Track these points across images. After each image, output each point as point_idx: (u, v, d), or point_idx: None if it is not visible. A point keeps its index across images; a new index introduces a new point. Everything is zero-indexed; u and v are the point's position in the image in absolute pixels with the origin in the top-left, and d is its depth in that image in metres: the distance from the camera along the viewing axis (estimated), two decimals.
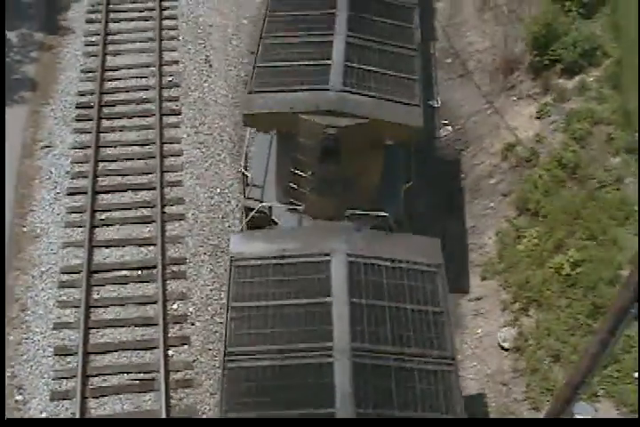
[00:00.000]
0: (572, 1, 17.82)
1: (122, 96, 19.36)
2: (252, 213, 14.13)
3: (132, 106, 19.18)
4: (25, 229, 16.65)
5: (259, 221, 14.15)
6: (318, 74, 13.40)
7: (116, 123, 18.78)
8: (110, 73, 19.91)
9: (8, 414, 13.81)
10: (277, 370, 9.97)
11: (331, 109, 12.81)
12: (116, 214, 16.90)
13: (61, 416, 13.83)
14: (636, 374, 12.71)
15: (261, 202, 14.27)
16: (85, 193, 17.11)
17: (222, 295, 15.49)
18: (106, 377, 14.35)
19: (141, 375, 14.38)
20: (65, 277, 15.79)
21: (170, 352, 14.72)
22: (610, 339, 8.38)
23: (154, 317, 15.15)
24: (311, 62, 13.65)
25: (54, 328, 14.99)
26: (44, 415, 13.86)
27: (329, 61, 13.56)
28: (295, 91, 13.17)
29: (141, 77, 19.85)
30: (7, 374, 14.38)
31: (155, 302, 15.35)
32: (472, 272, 15.71)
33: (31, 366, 14.50)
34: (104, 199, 17.15)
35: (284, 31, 14.47)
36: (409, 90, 13.68)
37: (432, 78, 19.74)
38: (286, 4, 15.12)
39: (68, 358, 14.57)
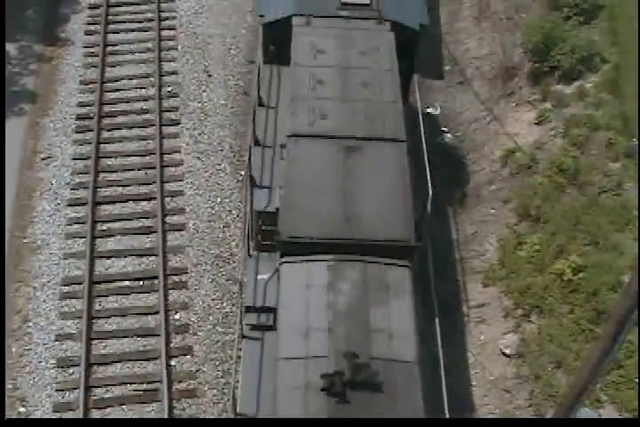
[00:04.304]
0: (571, 8, 17.88)
1: (121, 107, 19.40)
2: None
3: (132, 116, 19.21)
4: (26, 241, 16.65)
5: None
6: None
7: (116, 133, 18.81)
8: (110, 84, 19.94)
9: None
10: None
11: None
12: (117, 225, 16.90)
13: None
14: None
15: None
16: (86, 204, 17.13)
17: (224, 304, 15.52)
18: (108, 388, 14.35)
19: (144, 386, 14.37)
20: (66, 289, 15.78)
21: (172, 362, 14.72)
22: (611, 346, 8.35)
23: (156, 327, 15.14)
24: None
25: (56, 340, 14.99)
26: None
27: None
28: None
29: (141, 88, 19.88)
30: (9, 386, 14.37)
31: (157, 313, 15.35)
32: (474, 279, 15.69)
33: (34, 377, 14.49)
34: (105, 210, 17.15)
35: None
36: None
37: (431, 86, 19.77)
38: None
39: (71, 370, 14.57)
